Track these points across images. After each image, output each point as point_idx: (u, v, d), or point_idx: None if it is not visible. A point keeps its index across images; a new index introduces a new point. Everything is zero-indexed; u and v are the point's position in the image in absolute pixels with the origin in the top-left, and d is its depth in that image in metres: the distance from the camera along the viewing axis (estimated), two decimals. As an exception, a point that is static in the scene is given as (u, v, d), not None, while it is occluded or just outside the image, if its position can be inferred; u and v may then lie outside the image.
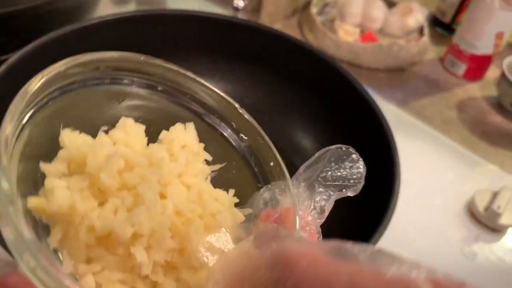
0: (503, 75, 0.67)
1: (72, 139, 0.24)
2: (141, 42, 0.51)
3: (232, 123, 0.31)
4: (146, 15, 0.50)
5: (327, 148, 0.26)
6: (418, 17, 0.76)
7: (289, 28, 0.76)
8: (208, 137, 0.30)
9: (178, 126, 0.29)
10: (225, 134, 0.31)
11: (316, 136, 0.49)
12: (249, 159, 0.30)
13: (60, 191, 0.22)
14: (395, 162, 0.38)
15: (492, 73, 0.75)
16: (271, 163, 0.29)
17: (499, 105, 0.71)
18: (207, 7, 0.74)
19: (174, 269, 0.23)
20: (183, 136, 0.29)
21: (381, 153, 0.40)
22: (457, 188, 0.57)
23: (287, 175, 0.27)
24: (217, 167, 0.29)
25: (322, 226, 0.25)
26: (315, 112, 0.49)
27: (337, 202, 0.26)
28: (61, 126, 0.25)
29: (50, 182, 0.22)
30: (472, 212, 0.54)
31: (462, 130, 0.67)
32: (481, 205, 0.53)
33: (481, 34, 0.69)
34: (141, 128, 0.28)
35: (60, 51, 0.44)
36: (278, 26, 0.75)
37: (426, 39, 0.74)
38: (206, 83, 0.31)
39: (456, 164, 0.61)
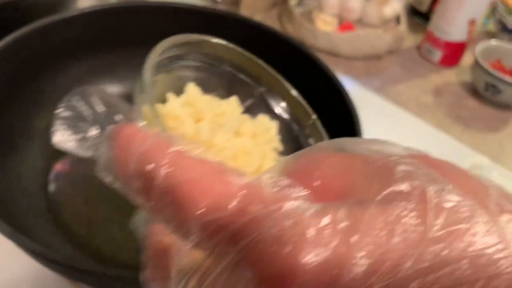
0: (476, 61, 0.70)
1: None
2: (122, 33, 0.53)
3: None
4: (126, 6, 0.52)
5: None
6: (395, 6, 0.79)
7: (269, 20, 0.79)
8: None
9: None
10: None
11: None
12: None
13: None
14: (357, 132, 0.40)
15: (468, 59, 0.77)
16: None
17: (473, 90, 0.73)
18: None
19: None
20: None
21: (346, 129, 0.42)
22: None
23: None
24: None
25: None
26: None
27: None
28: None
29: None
30: (443, 190, 0.56)
31: (437, 114, 0.69)
32: (451, 183, 0.55)
33: (454, 21, 0.71)
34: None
35: (41, 42, 0.47)
36: (258, 18, 0.77)
37: (402, 27, 0.77)
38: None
39: (429, 146, 0.63)
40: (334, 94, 0.46)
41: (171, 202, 0.13)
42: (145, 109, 0.26)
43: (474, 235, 0.11)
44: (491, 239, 0.11)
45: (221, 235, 0.12)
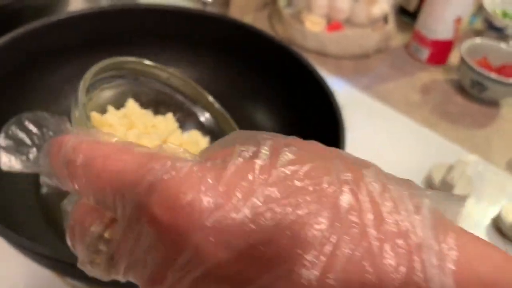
0: (462, 59, 0.71)
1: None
2: (112, 35, 0.54)
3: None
4: (116, 9, 0.53)
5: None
6: (383, 6, 0.80)
7: (260, 21, 0.80)
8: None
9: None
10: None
11: (276, 118, 0.52)
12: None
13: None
14: (340, 136, 0.41)
15: (455, 57, 0.78)
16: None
17: (461, 88, 0.74)
18: (176, 2, 0.77)
19: None
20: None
21: (331, 130, 0.43)
22: (417, 164, 0.60)
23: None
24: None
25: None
26: (275, 95, 0.53)
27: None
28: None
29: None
30: (429, 185, 0.57)
31: (424, 111, 0.70)
32: (437, 178, 0.56)
33: (440, 20, 0.73)
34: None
35: (33, 44, 0.48)
36: (248, 19, 0.78)
37: (390, 27, 0.78)
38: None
39: (417, 143, 0.64)
40: (319, 94, 0.47)
41: (89, 176, 0.17)
42: (77, 117, 0.33)
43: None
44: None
45: (126, 192, 0.15)
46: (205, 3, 0.67)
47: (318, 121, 0.47)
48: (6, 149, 0.22)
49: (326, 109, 0.45)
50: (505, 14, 0.85)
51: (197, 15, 0.56)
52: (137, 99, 0.45)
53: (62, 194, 0.45)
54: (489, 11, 0.82)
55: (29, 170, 0.22)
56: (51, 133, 0.23)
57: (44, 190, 0.45)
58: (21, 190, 0.43)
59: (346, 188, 0.14)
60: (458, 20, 0.72)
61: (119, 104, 0.43)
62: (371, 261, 0.13)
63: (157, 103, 0.46)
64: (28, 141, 0.22)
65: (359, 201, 0.14)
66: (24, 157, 0.22)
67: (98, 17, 0.53)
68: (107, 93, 0.42)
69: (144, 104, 0.45)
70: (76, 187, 0.18)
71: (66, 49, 0.51)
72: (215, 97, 0.47)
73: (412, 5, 0.85)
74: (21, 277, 0.42)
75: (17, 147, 0.22)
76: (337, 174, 0.14)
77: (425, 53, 0.77)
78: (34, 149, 0.22)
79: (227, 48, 0.56)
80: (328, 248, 0.13)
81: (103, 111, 0.42)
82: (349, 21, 0.81)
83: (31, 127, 0.23)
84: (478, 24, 0.88)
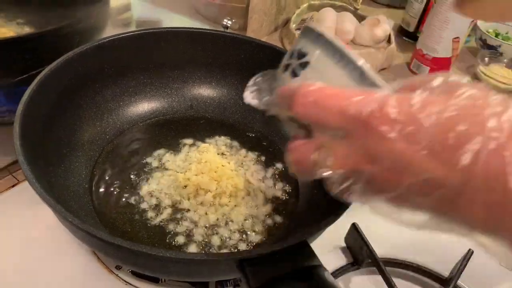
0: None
1: None
2: (148, 56, 0.59)
3: None
4: (152, 32, 0.58)
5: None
6: (385, 28, 0.86)
7: (272, 42, 0.86)
8: None
9: None
10: None
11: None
12: None
13: None
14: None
15: (453, 73, 0.84)
16: None
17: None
18: (201, 26, 0.83)
19: None
20: None
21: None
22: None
23: None
24: None
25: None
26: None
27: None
28: None
29: None
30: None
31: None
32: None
33: (439, 40, 0.79)
34: None
35: (82, 65, 0.53)
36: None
37: (393, 46, 0.84)
38: None
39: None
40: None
41: (319, 108, 0.26)
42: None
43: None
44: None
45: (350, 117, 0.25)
46: (226, 27, 0.73)
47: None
48: (251, 90, 0.36)
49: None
50: (497, 34, 0.92)
51: (227, 37, 0.61)
52: None
53: (112, 198, 0.49)
54: (483, 31, 0.89)
55: (260, 107, 0.35)
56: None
57: (95, 192, 0.50)
58: (77, 194, 0.48)
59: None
60: (456, 40, 0.79)
61: None
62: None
63: None
64: (266, 87, 0.35)
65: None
66: (260, 97, 0.35)
67: (135, 39, 0.58)
68: None
69: None
70: (296, 113, 0.27)
71: (109, 69, 0.56)
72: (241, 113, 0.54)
73: (412, 27, 0.92)
74: (78, 271, 0.46)
75: (258, 91, 0.35)
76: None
77: (425, 70, 0.83)
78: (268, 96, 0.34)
79: (252, 67, 0.61)
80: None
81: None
82: (354, 42, 0.87)
83: (269, 80, 0.35)
84: (472, 43, 0.95)
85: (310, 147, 0.28)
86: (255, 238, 0.48)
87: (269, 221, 0.50)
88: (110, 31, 0.75)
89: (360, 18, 0.89)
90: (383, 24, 0.86)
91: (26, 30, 0.69)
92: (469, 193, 0.21)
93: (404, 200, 0.24)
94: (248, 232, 0.48)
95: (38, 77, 0.46)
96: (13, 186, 0.54)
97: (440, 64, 0.82)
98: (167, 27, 0.59)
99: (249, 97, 0.36)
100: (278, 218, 0.50)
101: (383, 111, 0.24)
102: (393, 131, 0.23)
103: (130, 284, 0.46)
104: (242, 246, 0.47)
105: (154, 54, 0.59)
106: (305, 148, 0.28)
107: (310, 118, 0.27)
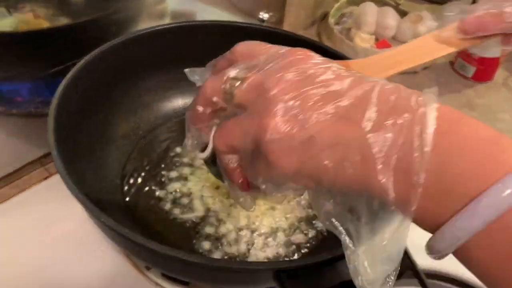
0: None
1: None
2: (182, 49, 0.58)
3: None
4: (188, 25, 0.57)
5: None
6: (428, 24, 0.82)
7: (309, 37, 0.83)
8: None
9: None
10: None
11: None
12: None
13: None
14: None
15: (501, 74, 0.80)
16: None
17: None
18: (236, 19, 0.81)
19: None
20: None
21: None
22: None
23: None
24: None
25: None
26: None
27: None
28: None
29: None
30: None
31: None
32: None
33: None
34: None
35: (116, 58, 0.51)
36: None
37: (436, 44, 0.80)
38: None
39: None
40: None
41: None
42: None
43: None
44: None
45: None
46: (262, 21, 0.71)
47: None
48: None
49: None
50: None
51: (265, 31, 0.59)
52: None
53: (145, 195, 0.48)
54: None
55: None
56: None
57: (127, 188, 0.49)
58: (109, 189, 0.47)
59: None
60: (505, 38, 0.74)
61: None
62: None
63: None
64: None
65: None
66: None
67: (171, 32, 0.56)
68: None
69: None
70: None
71: (144, 62, 0.54)
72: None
73: (456, 23, 0.87)
74: (106, 268, 0.45)
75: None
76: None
77: (471, 70, 0.79)
78: None
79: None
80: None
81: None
82: (395, 38, 0.84)
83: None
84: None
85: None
86: (290, 247, 0.45)
87: (308, 230, 0.47)
88: (145, 23, 0.73)
89: (402, 14, 0.85)
90: (426, 20, 0.82)
91: (62, 21, 0.69)
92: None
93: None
94: (282, 238, 0.46)
95: (73, 69, 0.45)
96: (45, 178, 0.53)
97: (487, 65, 0.78)
98: (202, 20, 0.57)
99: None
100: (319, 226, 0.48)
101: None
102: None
103: (160, 285, 0.45)
104: (276, 252, 0.45)
105: (189, 47, 0.57)
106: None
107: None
